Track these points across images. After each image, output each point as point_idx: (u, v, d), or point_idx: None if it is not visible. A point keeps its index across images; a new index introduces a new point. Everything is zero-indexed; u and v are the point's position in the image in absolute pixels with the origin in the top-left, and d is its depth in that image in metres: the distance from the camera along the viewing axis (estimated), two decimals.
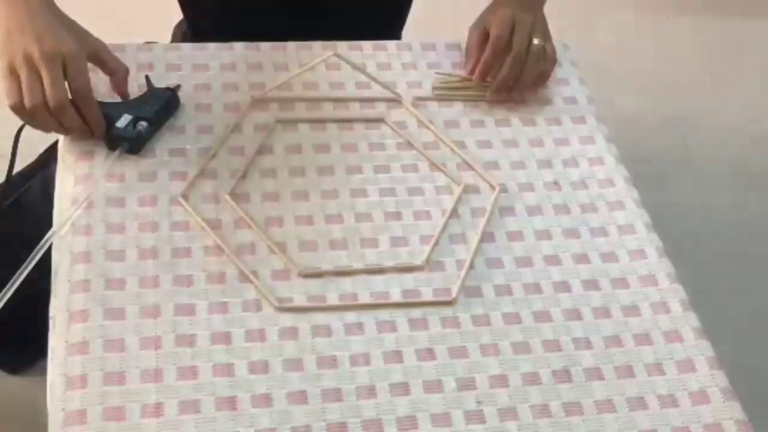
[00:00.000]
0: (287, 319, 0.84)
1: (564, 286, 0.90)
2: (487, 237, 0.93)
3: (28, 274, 0.83)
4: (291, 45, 1.09)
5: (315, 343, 0.82)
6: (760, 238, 1.92)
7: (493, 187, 0.98)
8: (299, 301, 0.85)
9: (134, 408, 0.76)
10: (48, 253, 0.86)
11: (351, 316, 0.85)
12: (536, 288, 0.89)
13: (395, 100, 1.05)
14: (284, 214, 0.92)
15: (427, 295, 0.87)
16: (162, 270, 0.85)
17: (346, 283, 0.87)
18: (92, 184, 0.90)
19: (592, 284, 0.90)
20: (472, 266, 0.90)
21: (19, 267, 0.82)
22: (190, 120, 0.99)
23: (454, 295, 0.87)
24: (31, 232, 0.85)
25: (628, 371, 0.84)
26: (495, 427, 0.79)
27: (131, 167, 0.93)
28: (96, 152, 0.93)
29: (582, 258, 0.93)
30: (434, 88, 1.07)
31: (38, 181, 1.14)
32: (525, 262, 0.91)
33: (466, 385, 0.81)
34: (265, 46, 1.08)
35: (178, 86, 1.00)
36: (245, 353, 0.81)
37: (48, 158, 1.14)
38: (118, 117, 0.93)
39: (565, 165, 1.02)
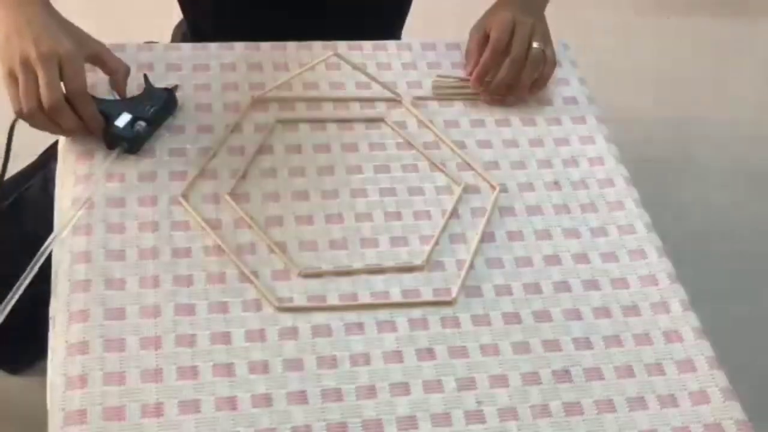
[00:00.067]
0: (287, 319, 0.84)
1: (564, 286, 0.90)
2: (487, 237, 0.93)
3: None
4: (291, 45, 1.09)
5: (315, 343, 0.82)
6: (761, 238, 1.92)
7: (493, 187, 0.98)
8: (299, 301, 0.85)
9: (134, 408, 0.76)
10: (48, 253, 0.86)
11: (351, 316, 0.85)
12: (536, 288, 0.89)
13: (395, 100, 1.05)
14: (284, 214, 0.92)
15: (427, 295, 0.87)
16: (162, 270, 0.85)
17: (346, 283, 0.87)
18: (92, 184, 0.90)
19: (592, 284, 0.91)
20: (472, 266, 0.90)
21: (19, 266, 0.82)
22: (190, 120, 0.99)
23: (454, 295, 0.87)
24: (31, 232, 0.86)
25: (628, 371, 0.84)
26: (495, 427, 0.79)
27: (131, 167, 0.93)
28: (96, 152, 0.93)
29: (582, 258, 0.93)
30: (434, 88, 1.07)
31: (38, 181, 1.14)
32: (525, 262, 0.91)
33: (466, 385, 0.81)
34: (265, 46, 1.08)
35: (176, 86, 1.00)
36: (245, 353, 0.81)
37: (48, 158, 1.14)
38: (117, 115, 0.93)
39: (565, 165, 1.02)
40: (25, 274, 0.82)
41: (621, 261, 0.93)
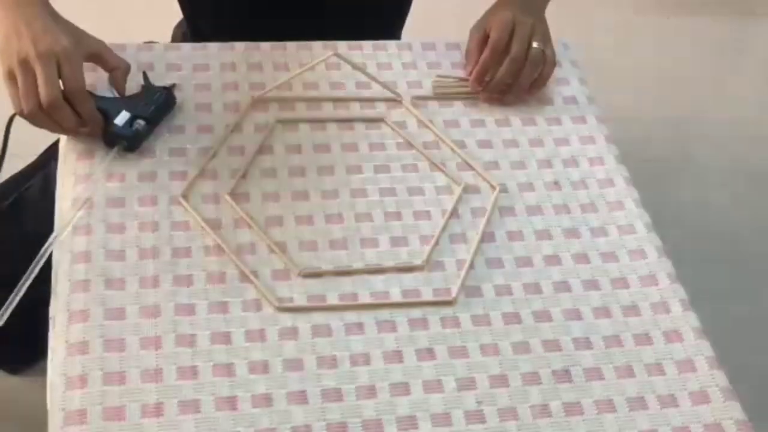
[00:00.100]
0: (287, 319, 0.84)
1: (564, 286, 0.90)
2: (487, 237, 0.93)
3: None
4: (291, 45, 1.09)
5: (315, 343, 0.82)
6: (761, 238, 1.92)
7: (493, 187, 0.98)
8: (299, 301, 0.85)
9: (134, 408, 0.76)
10: (48, 254, 0.86)
11: (351, 316, 0.85)
12: (536, 288, 0.89)
13: (395, 100, 1.05)
14: (284, 214, 0.92)
15: (427, 295, 0.87)
16: (162, 270, 0.85)
17: (346, 283, 0.87)
18: (92, 184, 0.90)
19: (592, 284, 0.91)
20: (472, 266, 0.90)
21: (19, 267, 0.82)
22: (190, 120, 0.99)
23: (454, 295, 0.87)
24: (31, 232, 0.86)
25: (628, 371, 0.84)
26: (495, 427, 0.79)
27: (131, 167, 0.93)
28: (97, 151, 0.93)
29: (582, 258, 0.93)
30: (434, 88, 1.07)
31: (38, 181, 1.14)
32: (525, 262, 0.91)
33: (466, 385, 0.81)
34: (265, 46, 1.08)
35: (174, 85, 1.00)
36: (245, 353, 0.81)
37: (48, 158, 1.14)
38: (116, 114, 0.93)
39: (565, 165, 1.02)
40: (25, 275, 0.82)
41: (621, 261, 0.93)
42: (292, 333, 0.83)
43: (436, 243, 0.91)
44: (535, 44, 1.04)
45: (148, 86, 0.98)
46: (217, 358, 0.80)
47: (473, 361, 0.83)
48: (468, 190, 0.97)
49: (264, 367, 0.80)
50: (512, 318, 0.87)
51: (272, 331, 0.82)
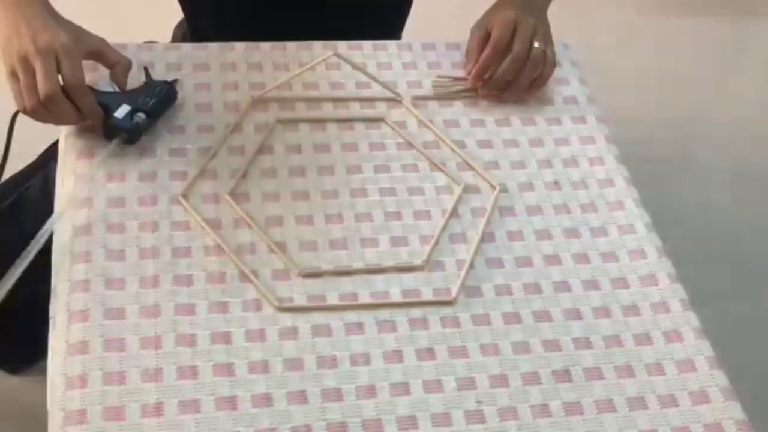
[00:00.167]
0: (287, 319, 0.84)
1: (564, 286, 0.90)
2: (487, 237, 0.93)
3: (29, 275, 0.83)
4: (291, 45, 1.09)
5: (315, 343, 0.82)
6: (761, 238, 1.92)
7: (493, 187, 0.98)
8: (299, 300, 0.85)
9: (134, 408, 0.76)
10: (48, 253, 0.86)
11: (351, 316, 0.85)
12: (536, 288, 0.89)
13: (395, 100, 1.05)
14: (284, 214, 0.92)
15: (427, 295, 0.87)
16: (162, 270, 0.85)
17: (346, 283, 0.87)
18: (93, 168, 0.90)
19: (592, 284, 0.90)
20: (472, 266, 0.90)
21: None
22: (191, 119, 0.99)
23: (454, 295, 0.87)
24: (31, 232, 0.86)
25: (628, 371, 0.84)
26: (495, 427, 0.79)
27: (131, 167, 0.93)
28: (97, 151, 0.93)
29: (582, 258, 0.93)
30: (434, 88, 1.07)
31: (38, 181, 1.14)
32: (525, 262, 0.91)
33: (466, 385, 0.81)
34: (265, 46, 1.08)
35: (176, 80, 1.00)
36: (245, 353, 0.81)
37: (48, 158, 1.14)
38: (116, 107, 0.93)
39: (565, 165, 1.01)
40: (29, 246, 0.82)
41: (621, 261, 0.93)
42: (292, 333, 0.83)
43: (436, 243, 0.91)
44: (536, 44, 1.04)
45: (149, 81, 0.98)
46: (217, 358, 0.80)
47: (473, 361, 0.83)
48: (468, 190, 0.97)
49: (264, 367, 0.80)
50: (512, 318, 0.87)
51: (272, 331, 0.82)
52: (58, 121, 0.92)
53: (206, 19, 1.27)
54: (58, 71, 0.88)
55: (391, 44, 1.12)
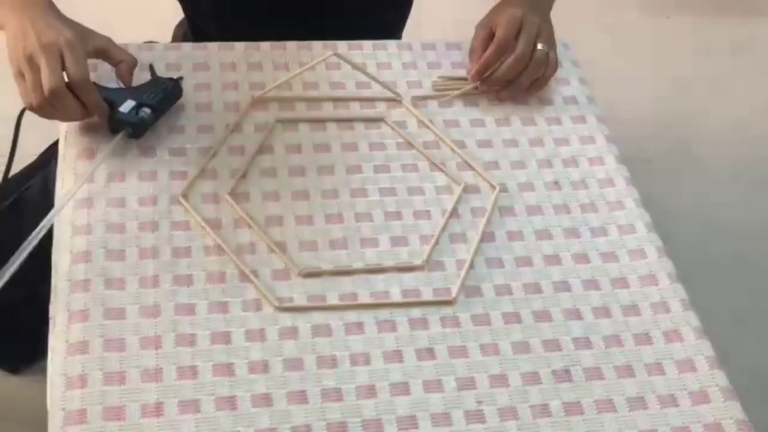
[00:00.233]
0: (287, 319, 0.84)
1: (564, 286, 0.90)
2: (487, 237, 0.93)
3: (29, 275, 0.83)
4: (291, 45, 1.09)
5: (315, 342, 0.82)
6: (761, 238, 1.92)
7: (493, 187, 0.98)
8: (299, 300, 0.85)
9: (134, 408, 0.76)
10: (48, 253, 0.86)
11: (351, 316, 0.85)
12: (536, 288, 0.89)
13: (395, 100, 1.05)
14: (284, 213, 0.92)
15: (427, 294, 0.87)
16: (162, 270, 0.85)
17: (346, 283, 0.87)
18: (96, 162, 0.90)
19: (592, 284, 0.90)
20: (472, 266, 0.90)
21: (19, 266, 0.82)
22: (191, 119, 0.99)
23: (454, 294, 0.87)
24: (31, 232, 0.86)
25: (628, 371, 0.84)
26: (495, 427, 0.79)
27: (131, 167, 0.93)
28: (97, 151, 0.93)
29: (582, 258, 0.93)
30: (434, 88, 1.07)
31: (38, 181, 1.15)
32: (525, 261, 0.91)
33: (466, 385, 0.81)
34: (265, 46, 1.08)
35: (182, 77, 1.00)
36: (245, 353, 0.81)
37: (48, 158, 1.14)
38: (121, 103, 0.94)
39: (565, 165, 1.01)
40: (30, 237, 0.82)
41: (621, 261, 0.93)
42: (292, 333, 0.83)
43: (436, 243, 0.91)
44: (539, 45, 1.03)
45: (154, 77, 0.98)
46: (217, 358, 0.80)
47: (473, 360, 0.83)
48: (468, 190, 0.97)
49: (264, 367, 0.80)
50: (512, 318, 0.87)
51: (272, 331, 0.82)
52: (64, 117, 0.92)
53: (206, 18, 1.27)
54: (64, 68, 0.88)
55: (391, 44, 1.12)
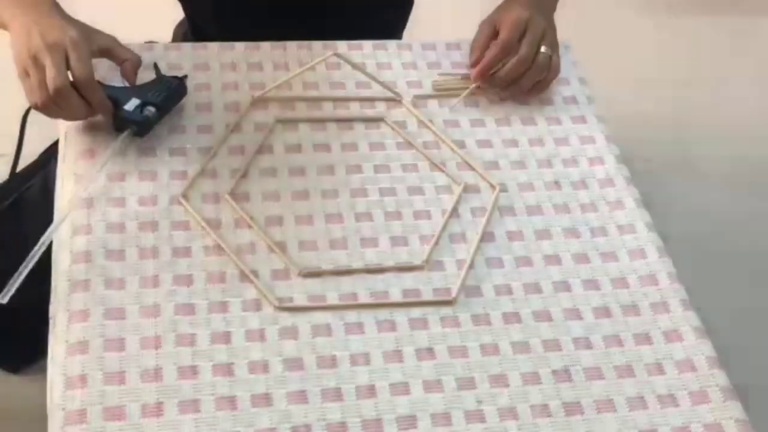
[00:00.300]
0: (287, 319, 0.84)
1: (564, 286, 0.90)
2: (487, 237, 0.93)
3: (29, 275, 0.83)
4: (291, 45, 1.09)
5: (315, 342, 0.82)
6: (761, 238, 1.92)
7: (493, 187, 0.98)
8: (299, 300, 0.85)
9: (134, 408, 0.76)
10: (48, 253, 0.86)
11: (351, 316, 0.85)
12: (536, 288, 0.89)
13: (395, 100, 1.05)
14: (284, 213, 0.92)
15: (427, 294, 0.87)
16: (162, 270, 0.85)
17: (346, 283, 0.87)
18: (98, 160, 0.90)
19: (592, 284, 0.90)
20: (472, 266, 0.90)
21: (19, 267, 0.82)
22: (191, 119, 0.99)
23: (454, 294, 0.87)
24: (31, 232, 0.86)
25: (628, 371, 0.84)
26: (495, 427, 0.79)
27: (131, 167, 0.93)
28: (97, 151, 0.94)
29: (582, 258, 0.93)
30: (434, 88, 1.07)
31: (38, 181, 1.15)
32: (525, 261, 0.91)
33: (466, 384, 0.81)
34: (265, 45, 1.08)
35: (186, 76, 1.00)
36: (245, 353, 0.81)
37: (48, 158, 1.14)
38: (126, 101, 0.94)
39: (565, 165, 1.02)
40: (27, 259, 0.82)
41: (621, 261, 0.93)
42: (292, 333, 0.83)
43: (436, 243, 0.91)
44: (543, 49, 1.03)
45: (159, 76, 0.98)
46: (217, 358, 0.80)
47: (473, 360, 0.83)
48: (468, 189, 0.97)
49: (264, 367, 0.80)
50: (512, 318, 0.87)
51: (272, 331, 0.82)
52: (69, 116, 0.92)
53: (207, 18, 1.27)
54: (68, 67, 0.88)
55: (391, 44, 1.12)
